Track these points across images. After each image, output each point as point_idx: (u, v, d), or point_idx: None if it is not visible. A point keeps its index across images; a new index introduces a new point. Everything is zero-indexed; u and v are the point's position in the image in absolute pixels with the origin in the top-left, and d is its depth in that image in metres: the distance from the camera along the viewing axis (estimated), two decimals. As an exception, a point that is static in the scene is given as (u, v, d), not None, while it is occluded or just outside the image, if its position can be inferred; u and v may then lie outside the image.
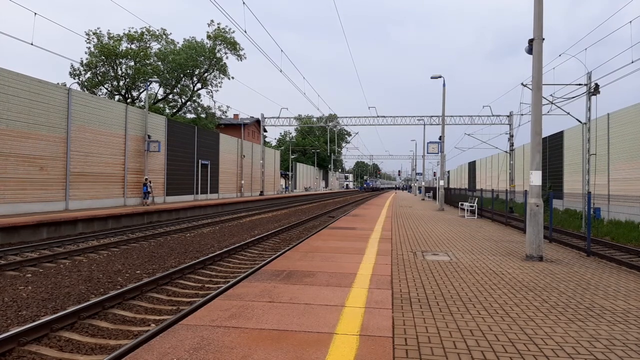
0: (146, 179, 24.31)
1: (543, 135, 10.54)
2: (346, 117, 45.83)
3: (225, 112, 45.43)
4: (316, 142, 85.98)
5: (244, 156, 40.85)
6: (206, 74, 40.82)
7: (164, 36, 38.78)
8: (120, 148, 23.01)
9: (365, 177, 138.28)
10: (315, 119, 66.78)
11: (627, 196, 18.48)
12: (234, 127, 55.23)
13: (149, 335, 5.44)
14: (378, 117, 42.38)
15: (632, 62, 15.55)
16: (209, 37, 39.26)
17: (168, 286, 8.43)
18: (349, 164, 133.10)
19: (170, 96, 40.96)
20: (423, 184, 59.45)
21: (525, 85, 22.80)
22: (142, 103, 34.49)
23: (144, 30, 37.54)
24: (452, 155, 64.00)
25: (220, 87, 62.96)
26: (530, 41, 9.47)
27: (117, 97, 38.21)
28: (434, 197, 43.66)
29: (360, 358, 3.65)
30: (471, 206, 21.95)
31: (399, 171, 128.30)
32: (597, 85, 18.37)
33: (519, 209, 24.81)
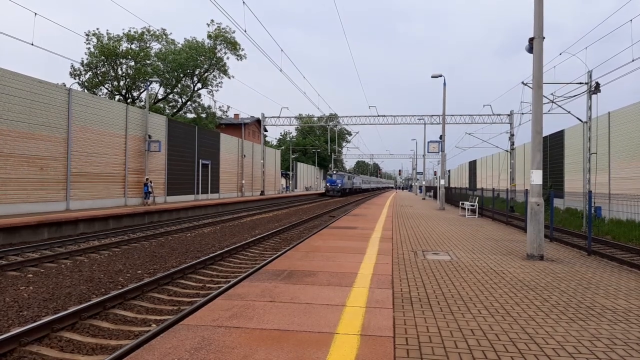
0: (147, 179, 24.31)
1: (544, 134, 10.52)
2: (347, 117, 45.82)
3: (226, 111, 45.38)
4: (317, 142, 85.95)
5: (244, 156, 40.84)
6: (206, 74, 40.80)
7: (164, 36, 38.76)
8: (120, 148, 23.01)
9: (330, 170, 66.97)
10: (315, 119, 66.76)
11: (628, 195, 18.46)
12: (235, 126, 55.20)
13: (149, 335, 5.44)
14: (378, 116, 42.35)
15: (633, 61, 15.51)
16: (209, 36, 39.24)
17: (169, 286, 8.43)
18: (349, 163, 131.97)
19: (171, 96, 40.91)
20: (424, 183, 59.42)
21: (525, 84, 22.78)
22: (143, 103, 34.48)
23: (144, 30, 37.55)
24: (452, 154, 64.04)
25: (221, 87, 62.75)
26: (531, 40, 9.46)
27: (117, 97, 38.18)
28: (435, 197, 43.66)
29: (361, 358, 3.64)
30: (472, 205, 21.93)
31: (400, 170, 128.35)
32: (597, 84, 18.34)
33: (519, 208, 24.79)
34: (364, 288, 6.04)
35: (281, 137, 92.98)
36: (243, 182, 40.55)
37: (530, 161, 9.52)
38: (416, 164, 76.26)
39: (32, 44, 18.75)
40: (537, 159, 9.36)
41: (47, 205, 17.89)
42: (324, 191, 60.76)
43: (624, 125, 19.81)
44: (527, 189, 11.49)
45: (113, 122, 22.42)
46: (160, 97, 40.21)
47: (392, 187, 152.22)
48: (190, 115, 42.95)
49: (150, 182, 24.37)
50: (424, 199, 47.51)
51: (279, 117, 44.61)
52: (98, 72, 37.21)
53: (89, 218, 16.59)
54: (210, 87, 41.67)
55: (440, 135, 28.99)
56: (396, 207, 28.60)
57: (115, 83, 38.39)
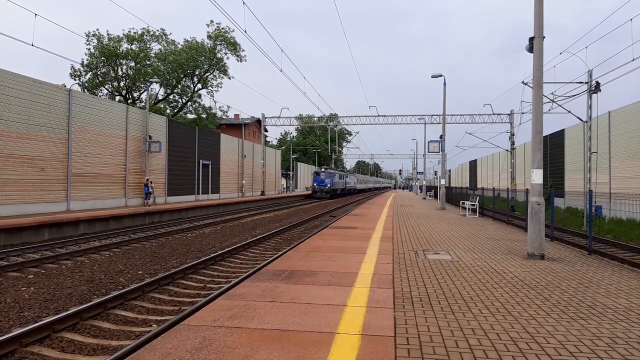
0: (147, 180, 24.32)
1: (544, 134, 10.53)
2: (347, 117, 45.82)
3: (226, 112, 45.35)
4: (317, 142, 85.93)
5: (244, 156, 40.85)
6: (207, 74, 40.80)
7: (163, 36, 38.76)
8: (121, 149, 23.02)
9: (321, 168, 55.50)
10: (316, 119, 66.74)
11: (629, 194, 18.45)
12: (235, 127, 55.21)
13: (150, 335, 5.44)
14: (379, 116, 42.33)
15: (633, 60, 15.50)
16: (209, 37, 39.25)
17: (170, 286, 8.43)
18: (350, 163, 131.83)
19: (171, 96, 40.91)
20: (424, 183, 59.41)
21: (526, 84, 22.78)
22: (143, 104, 34.51)
23: (144, 30, 37.55)
24: (453, 154, 63.94)
25: (221, 87, 62.56)
26: (531, 39, 9.46)
27: (117, 98, 38.18)
28: (435, 196, 43.65)
29: (362, 357, 3.64)
30: (472, 205, 21.93)
31: (400, 170, 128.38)
32: (597, 84, 18.34)
33: (520, 208, 24.79)
34: (364, 288, 6.04)
35: (281, 137, 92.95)
36: (243, 182, 40.55)
37: (531, 160, 9.51)
38: (416, 164, 76.29)
39: (32, 45, 18.77)
40: (537, 158, 9.35)
41: (47, 206, 17.90)
42: (310, 192, 51.41)
43: (625, 125, 19.80)
44: (527, 189, 11.49)
45: (113, 122, 22.42)
46: (160, 97, 40.22)
47: (391, 187, 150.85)
48: (190, 116, 42.97)
49: (151, 182, 24.38)
50: (424, 198, 47.50)
51: (279, 117, 44.62)
52: (98, 73, 37.22)
53: (90, 219, 16.60)
54: (210, 88, 41.70)
55: (441, 135, 29.00)
56: (396, 206, 28.59)
57: (116, 84, 38.41)
